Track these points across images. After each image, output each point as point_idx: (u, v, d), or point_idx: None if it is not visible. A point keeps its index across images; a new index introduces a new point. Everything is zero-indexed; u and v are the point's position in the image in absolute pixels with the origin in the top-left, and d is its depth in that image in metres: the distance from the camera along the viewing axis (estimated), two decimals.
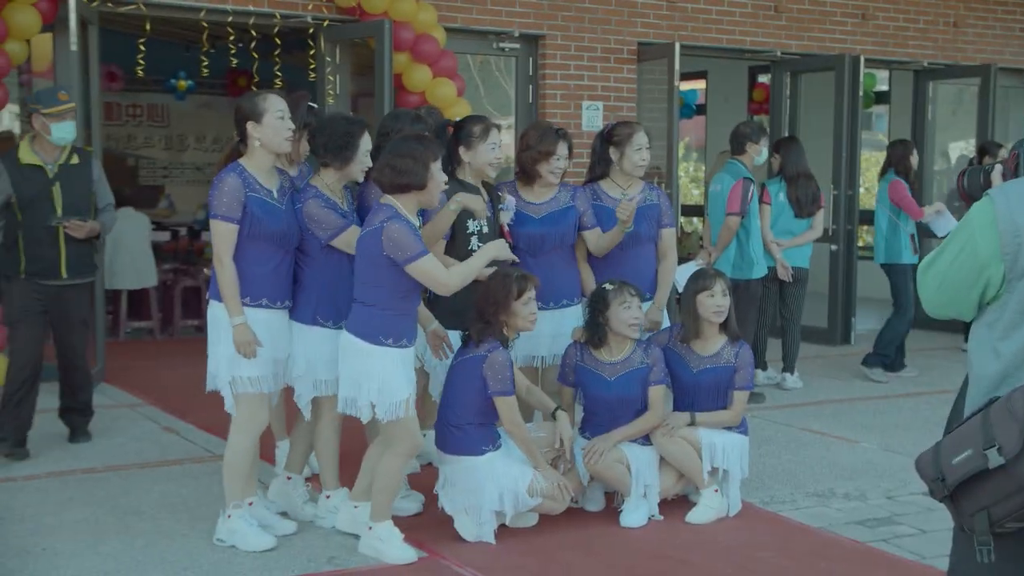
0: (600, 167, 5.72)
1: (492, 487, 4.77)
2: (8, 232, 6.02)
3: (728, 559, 4.72)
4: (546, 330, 5.34)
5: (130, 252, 10.11)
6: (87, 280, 6.33)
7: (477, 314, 4.84)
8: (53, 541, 4.80)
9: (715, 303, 5.27)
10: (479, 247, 5.02)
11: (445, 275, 4.52)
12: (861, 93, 10.44)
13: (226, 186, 4.57)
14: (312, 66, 9.12)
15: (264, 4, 8.46)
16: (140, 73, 10.26)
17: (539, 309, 4.96)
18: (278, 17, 8.52)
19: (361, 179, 4.88)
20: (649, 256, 5.70)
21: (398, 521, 4.72)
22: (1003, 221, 2.50)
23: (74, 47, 7.60)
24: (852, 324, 10.46)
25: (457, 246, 5.21)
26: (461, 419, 4.81)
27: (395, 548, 4.59)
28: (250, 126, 4.62)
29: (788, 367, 8.29)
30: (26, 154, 6.03)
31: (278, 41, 9.33)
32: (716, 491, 5.22)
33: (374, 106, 8.46)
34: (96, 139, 8.10)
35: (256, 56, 9.68)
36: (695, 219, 14.30)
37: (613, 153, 5.65)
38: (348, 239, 4.70)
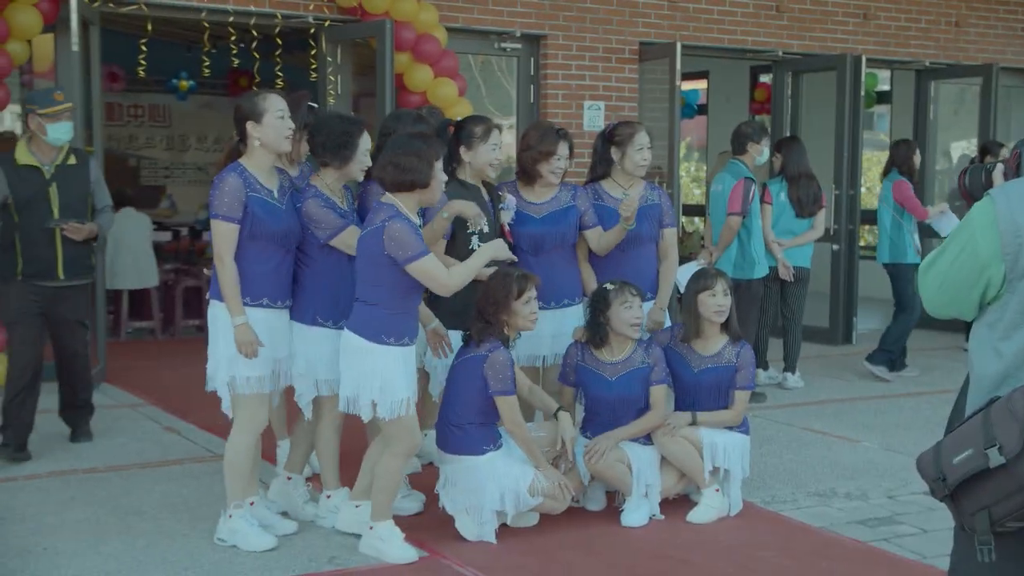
0: (601, 167, 5.71)
1: (493, 487, 4.77)
2: (5, 233, 6.00)
3: (729, 559, 4.72)
4: (547, 330, 5.34)
5: (131, 252, 10.11)
6: (84, 281, 6.31)
7: (478, 314, 4.83)
8: (54, 541, 4.80)
9: (716, 303, 5.27)
10: (479, 247, 5.02)
11: (445, 275, 4.51)
12: (863, 93, 10.44)
13: (227, 186, 4.57)
14: (313, 66, 9.12)
15: (265, 4, 8.46)
16: (141, 73, 10.25)
17: (540, 309, 4.96)
18: (279, 17, 8.52)
19: (361, 178, 4.89)
20: (650, 256, 5.70)
21: (399, 521, 4.71)
22: (1004, 221, 2.50)
23: (75, 47, 7.59)
24: (853, 324, 10.46)
25: (457, 246, 5.21)
26: (462, 419, 4.81)
27: (396, 548, 4.59)
28: (250, 126, 4.62)
29: (789, 367, 8.29)
30: (23, 155, 6.01)
31: (279, 41, 9.32)
32: (717, 491, 5.21)
33: (375, 106, 8.45)
34: (97, 140, 8.09)
35: (257, 56, 9.66)
36: (696, 219, 14.30)
37: (614, 153, 5.65)
38: (346, 239, 4.70)
